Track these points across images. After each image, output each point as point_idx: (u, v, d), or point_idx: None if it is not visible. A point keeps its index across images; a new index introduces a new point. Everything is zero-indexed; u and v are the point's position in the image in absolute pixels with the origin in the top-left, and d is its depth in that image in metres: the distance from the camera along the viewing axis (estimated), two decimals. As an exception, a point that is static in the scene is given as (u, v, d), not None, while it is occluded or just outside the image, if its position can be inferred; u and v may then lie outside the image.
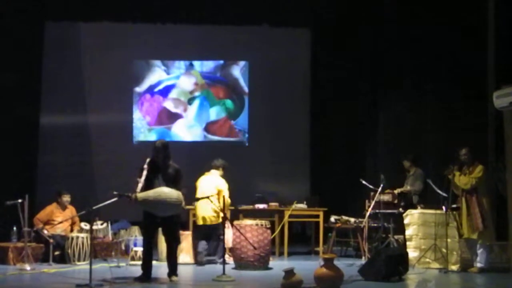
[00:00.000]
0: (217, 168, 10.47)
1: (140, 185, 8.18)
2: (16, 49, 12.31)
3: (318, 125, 13.91)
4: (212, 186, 10.21)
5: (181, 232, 9.64)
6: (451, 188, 9.48)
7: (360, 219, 10.82)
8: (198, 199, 10.08)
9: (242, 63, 14.08)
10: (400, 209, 10.61)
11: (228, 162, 10.64)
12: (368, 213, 10.54)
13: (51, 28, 13.45)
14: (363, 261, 10.01)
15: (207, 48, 13.84)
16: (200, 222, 10.25)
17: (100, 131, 13.53)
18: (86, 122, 13.61)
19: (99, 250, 10.62)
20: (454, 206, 9.62)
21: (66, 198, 10.70)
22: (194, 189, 10.27)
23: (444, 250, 9.52)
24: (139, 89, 13.88)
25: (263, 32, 13.80)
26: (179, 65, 14.05)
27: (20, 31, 12.45)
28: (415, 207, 10.42)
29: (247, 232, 9.67)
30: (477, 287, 8.71)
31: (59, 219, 10.34)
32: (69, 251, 10.12)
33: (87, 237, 10.11)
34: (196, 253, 10.23)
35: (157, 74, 13.97)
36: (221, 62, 14.08)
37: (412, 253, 9.87)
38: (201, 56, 13.94)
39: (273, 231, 10.50)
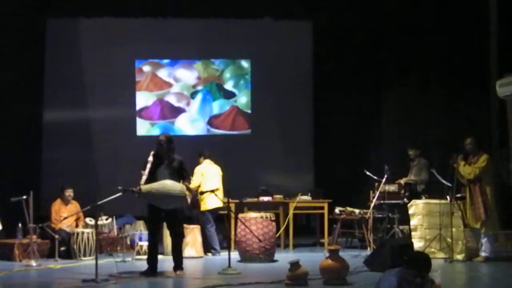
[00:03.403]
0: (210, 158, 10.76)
1: (144, 178, 8.23)
2: (19, 46, 12.33)
3: (322, 117, 13.87)
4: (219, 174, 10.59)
5: (185, 226, 9.65)
6: (455, 178, 9.46)
7: (364, 210, 10.82)
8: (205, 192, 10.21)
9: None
10: (405, 200, 10.59)
11: (232, 155, 10.69)
12: (372, 204, 10.53)
13: (52, 24, 13.45)
14: (368, 252, 10.01)
15: (208, 42, 13.78)
16: (215, 206, 10.44)
17: (103, 126, 13.51)
18: (89, 118, 13.57)
19: (104, 245, 10.64)
20: (458, 195, 9.60)
21: (69, 192, 10.68)
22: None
23: (449, 239, 9.51)
24: (141, 83, 13.86)
25: (266, 25, 13.76)
26: (182, 59, 14.02)
27: (22, 28, 12.45)
28: (419, 197, 10.40)
29: (252, 225, 9.68)
30: (483, 276, 8.70)
31: (64, 214, 10.35)
32: (75, 246, 10.15)
33: (92, 232, 10.12)
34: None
35: (159, 69, 13.95)
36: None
37: (417, 243, 9.85)
38: (203, 49, 13.89)
39: (277, 224, 10.49)
